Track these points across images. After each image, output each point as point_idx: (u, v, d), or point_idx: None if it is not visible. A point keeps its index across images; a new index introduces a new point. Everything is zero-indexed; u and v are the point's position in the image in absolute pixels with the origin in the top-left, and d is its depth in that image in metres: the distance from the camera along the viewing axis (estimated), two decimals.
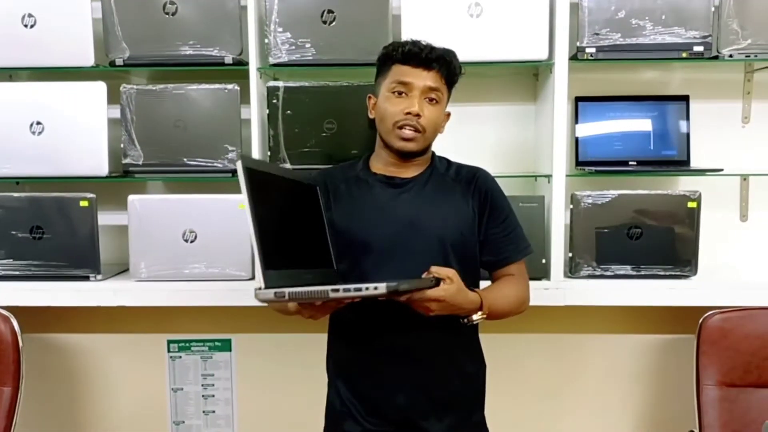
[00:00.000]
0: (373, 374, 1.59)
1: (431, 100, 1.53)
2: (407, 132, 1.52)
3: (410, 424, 1.58)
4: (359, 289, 1.24)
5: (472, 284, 1.56)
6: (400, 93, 1.53)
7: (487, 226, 1.60)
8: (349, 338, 1.62)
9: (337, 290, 1.25)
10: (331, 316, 1.61)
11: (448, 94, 1.59)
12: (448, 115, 1.64)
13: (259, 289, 1.29)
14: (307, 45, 2.03)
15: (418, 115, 1.51)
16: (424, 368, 1.57)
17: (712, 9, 2.03)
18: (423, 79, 1.52)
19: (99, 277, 2.11)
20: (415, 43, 1.53)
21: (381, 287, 1.21)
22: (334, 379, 1.67)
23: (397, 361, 1.57)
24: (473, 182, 1.61)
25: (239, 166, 1.31)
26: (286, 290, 1.27)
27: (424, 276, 1.42)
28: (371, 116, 1.62)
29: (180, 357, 2.47)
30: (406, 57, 1.53)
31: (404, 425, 1.58)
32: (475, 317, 1.48)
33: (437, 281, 1.39)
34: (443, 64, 1.53)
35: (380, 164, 1.62)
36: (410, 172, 1.61)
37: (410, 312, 1.41)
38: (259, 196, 1.34)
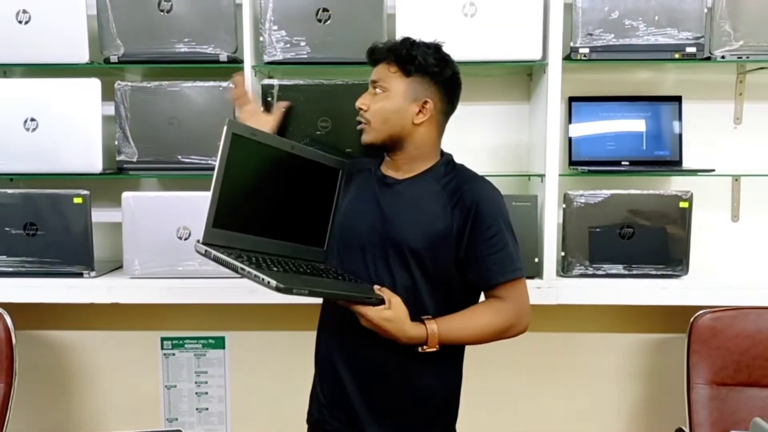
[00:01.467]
0: (334, 374, 1.59)
1: (376, 90, 1.55)
2: (360, 126, 1.57)
3: (357, 425, 1.57)
4: (257, 277, 1.28)
5: (447, 302, 1.52)
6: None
7: (469, 242, 1.49)
8: (325, 335, 1.64)
9: (244, 270, 1.30)
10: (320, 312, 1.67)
11: (407, 81, 1.51)
12: (425, 102, 1.52)
13: (198, 241, 1.38)
14: (302, 43, 2.04)
15: (361, 108, 1.55)
16: (376, 379, 1.56)
17: (705, 10, 2.05)
18: (372, 74, 1.56)
19: (93, 273, 2.11)
20: (376, 43, 1.57)
21: (272, 284, 1.25)
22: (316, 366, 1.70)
23: (355, 367, 1.57)
24: (457, 193, 1.51)
25: (225, 129, 1.39)
26: (213, 252, 1.35)
27: (375, 288, 1.45)
28: None
29: (173, 354, 2.47)
30: (369, 58, 1.59)
31: (353, 425, 1.58)
32: (419, 350, 1.44)
33: (380, 300, 1.40)
34: (390, 54, 1.53)
35: (385, 162, 1.63)
36: (404, 173, 1.57)
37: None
38: (240, 161, 1.42)
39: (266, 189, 1.53)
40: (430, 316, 1.46)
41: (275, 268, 1.38)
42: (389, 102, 1.53)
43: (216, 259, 1.35)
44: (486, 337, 1.51)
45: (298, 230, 1.59)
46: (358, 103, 1.55)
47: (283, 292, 1.25)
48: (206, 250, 1.36)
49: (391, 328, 1.40)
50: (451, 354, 1.57)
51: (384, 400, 1.55)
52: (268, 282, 1.25)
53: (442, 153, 1.61)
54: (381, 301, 1.40)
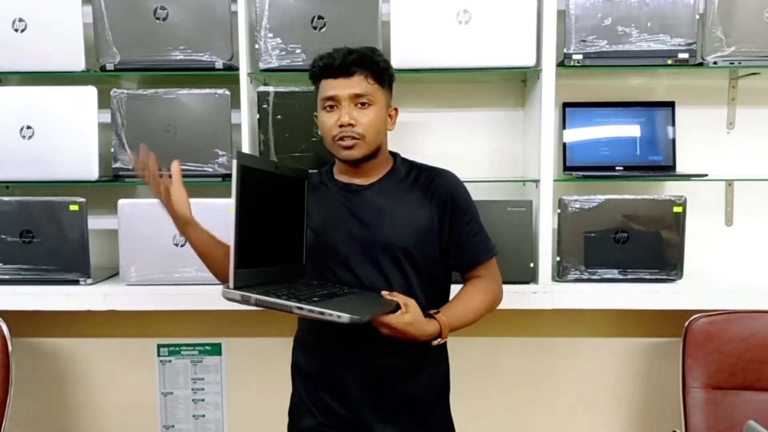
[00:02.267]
0: (328, 378, 1.60)
1: (362, 104, 1.52)
2: (346, 141, 1.52)
3: (363, 425, 1.59)
4: (323, 314, 1.26)
5: (434, 291, 1.60)
6: (330, 107, 1.53)
7: (450, 229, 1.58)
8: (309, 341, 1.65)
9: (302, 308, 1.28)
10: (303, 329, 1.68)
11: (383, 90, 1.56)
12: (396, 111, 1.62)
13: (227, 287, 1.32)
14: (298, 50, 2.05)
15: (351, 125, 1.51)
16: (389, 380, 1.58)
17: (697, 17, 2.06)
18: (346, 87, 1.51)
19: (89, 281, 2.11)
20: (331, 55, 1.52)
21: (344, 318, 1.24)
22: (294, 377, 1.71)
23: (364, 374, 1.58)
24: (431, 187, 1.59)
25: (235, 164, 1.34)
26: (253, 295, 1.30)
27: (384, 294, 1.47)
28: (320, 133, 1.62)
29: (170, 361, 2.47)
30: (325, 71, 1.52)
31: (357, 426, 1.59)
32: (434, 342, 1.50)
33: (398, 306, 1.42)
34: (364, 65, 1.51)
35: (341, 172, 1.63)
36: (368, 178, 1.60)
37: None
38: (247, 194, 1.37)
39: (270, 216, 1.49)
40: (436, 310, 1.51)
41: (316, 298, 1.34)
42: (379, 114, 1.54)
43: (259, 303, 1.30)
44: (480, 315, 1.60)
45: (289, 249, 1.56)
46: (345, 120, 1.50)
47: (354, 322, 1.24)
48: (242, 295, 1.30)
49: (412, 330, 1.44)
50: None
51: (397, 397, 1.59)
52: (339, 317, 1.24)
53: (391, 153, 1.65)
54: (398, 307, 1.43)
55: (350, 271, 1.55)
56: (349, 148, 1.52)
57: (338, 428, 1.60)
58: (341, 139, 1.52)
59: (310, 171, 1.66)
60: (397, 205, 1.57)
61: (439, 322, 1.49)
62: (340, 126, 1.51)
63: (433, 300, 1.57)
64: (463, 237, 1.59)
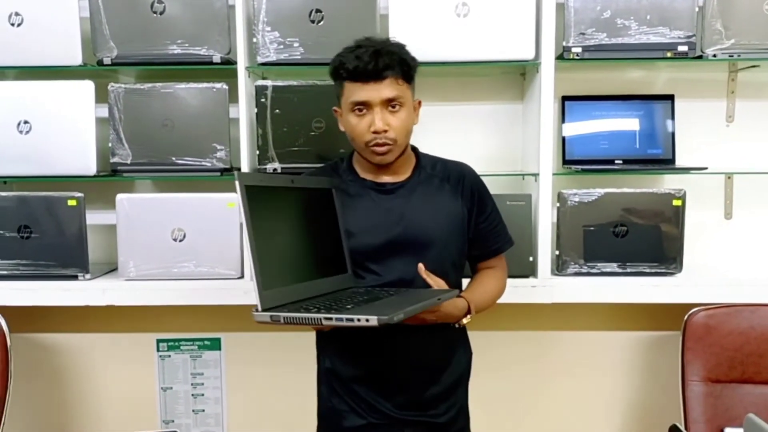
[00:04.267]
0: (368, 377, 1.61)
1: (393, 107, 1.51)
2: (380, 148, 1.52)
3: (406, 417, 1.61)
4: (351, 320, 1.24)
5: (456, 281, 1.64)
6: (361, 110, 1.51)
7: (476, 222, 1.64)
8: (344, 344, 1.63)
9: (330, 319, 1.26)
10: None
11: (410, 87, 1.55)
12: (419, 103, 1.61)
13: (256, 310, 1.30)
14: (296, 44, 2.04)
15: (385, 131, 1.50)
16: (422, 368, 1.61)
17: (696, 9, 2.05)
18: (378, 92, 1.48)
19: (87, 276, 2.10)
20: (359, 56, 1.47)
21: (372, 320, 1.22)
22: (327, 382, 1.67)
23: (394, 364, 1.59)
24: (461, 180, 1.64)
25: (237, 185, 1.32)
26: (282, 314, 1.28)
27: (421, 273, 1.49)
28: (341, 129, 1.60)
29: (169, 356, 2.47)
30: (354, 75, 1.48)
31: (401, 418, 1.61)
32: (464, 321, 1.56)
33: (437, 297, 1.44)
34: (394, 67, 1.48)
35: (365, 170, 1.63)
36: (398, 175, 1.61)
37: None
38: (259, 212, 1.35)
39: (287, 232, 1.47)
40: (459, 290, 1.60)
41: (350, 306, 1.33)
42: (407, 115, 1.54)
43: (289, 321, 1.28)
44: (494, 301, 1.68)
45: (329, 261, 1.54)
46: (380, 126, 1.48)
47: (383, 323, 1.22)
48: (272, 316, 1.29)
49: (452, 309, 1.51)
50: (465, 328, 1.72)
51: (435, 385, 1.63)
52: (367, 320, 1.22)
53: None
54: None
55: (392, 270, 1.56)
56: (383, 153, 1.52)
57: (383, 423, 1.62)
58: (375, 145, 1.51)
59: (319, 177, 1.65)
60: (432, 201, 1.59)
61: (466, 300, 1.55)
62: (374, 132, 1.50)
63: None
64: (486, 228, 1.66)
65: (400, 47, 1.54)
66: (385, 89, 1.48)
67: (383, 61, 1.47)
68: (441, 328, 1.56)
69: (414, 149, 1.67)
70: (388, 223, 1.57)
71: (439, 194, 1.61)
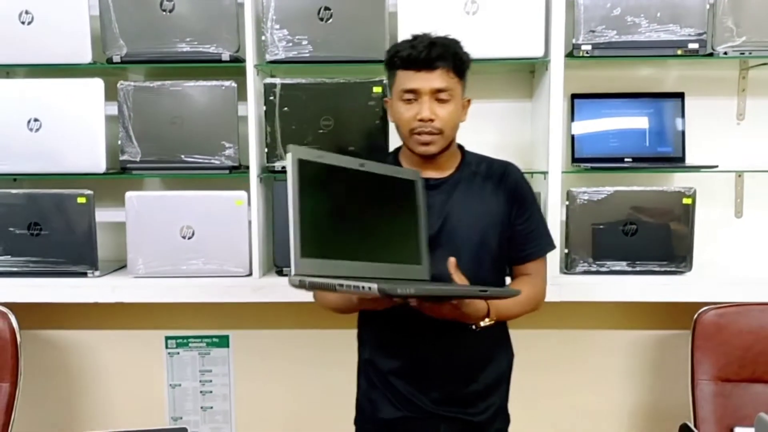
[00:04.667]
0: (407, 368, 1.62)
1: (441, 98, 1.51)
2: (424, 137, 1.52)
3: (442, 413, 1.62)
4: (357, 288, 1.26)
5: (497, 280, 1.63)
6: (408, 99, 1.52)
7: (513, 222, 1.62)
8: (385, 337, 1.65)
9: (342, 285, 1.28)
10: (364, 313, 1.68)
11: (461, 83, 1.56)
12: (469, 101, 1.62)
13: (290, 274, 1.34)
14: (304, 42, 2.04)
15: (431, 120, 1.50)
16: (459, 365, 1.62)
17: (707, 6, 2.04)
18: (428, 81, 1.49)
19: (97, 273, 2.11)
20: (414, 46, 1.49)
21: (374, 288, 1.23)
22: (366, 373, 1.70)
23: (433, 360, 1.61)
24: (503, 179, 1.62)
25: (289, 157, 1.35)
26: (307, 279, 1.32)
27: (450, 268, 1.46)
28: (390, 119, 1.62)
29: (178, 353, 2.47)
30: (407, 62, 1.50)
31: (437, 414, 1.62)
32: (482, 324, 1.52)
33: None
34: (447, 59, 1.50)
35: (411, 164, 1.63)
36: (442, 171, 1.62)
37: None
38: (310, 186, 1.38)
39: (347, 210, 1.48)
40: None
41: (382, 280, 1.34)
42: (456, 107, 1.55)
43: (312, 286, 1.34)
44: (524, 311, 1.62)
45: (390, 249, 1.53)
46: (426, 115, 1.50)
47: (383, 293, 1.23)
48: (300, 280, 1.33)
49: (470, 310, 1.47)
50: (507, 330, 1.77)
51: (473, 384, 1.64)
52: (370, 288, 1.24)
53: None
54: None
55: (433, 267, 1.56)
56: (427, 144, 1.53)
57: (419, 417, 1.63)
58: (419, 133, 1.52)
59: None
60: (473, 199, 1.58)
61: (487, 303, 1.51)
62: (420, 120, 1.50)
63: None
64: (522, 230, 1.62)
65: (456, 42, 1.55)
66: (436, 79, 1.50)
67: (436, 51, 1.49)
68: (476, 331, 1.54)
69: (460, 147, 1.67)
70: (428, 217, 1.57)
71: (481, 192, 1.60)
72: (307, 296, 2.10)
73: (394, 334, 1.61)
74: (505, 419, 1.74)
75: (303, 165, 1.38)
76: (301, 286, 1.33)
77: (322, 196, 1.42)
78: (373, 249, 1.49)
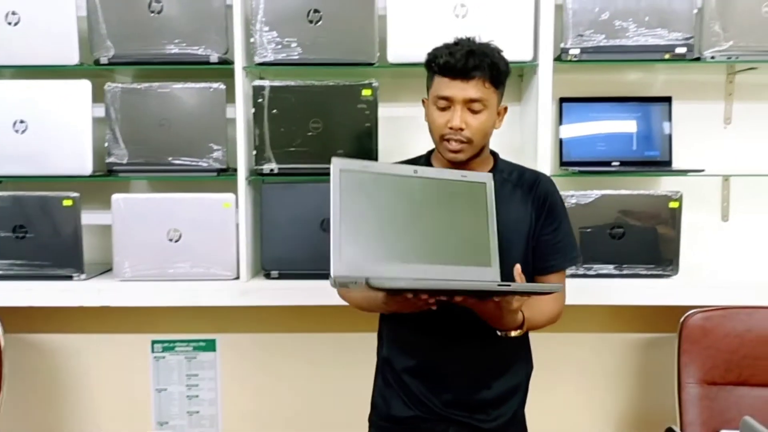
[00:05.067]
0: (421, 369, 1.63)
1: (475, 108, 1.50)
2: (453, 144, 1.52)
3: (454, 416, 1.63)
4: (353, 280, 1.30)
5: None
6: (442, 106, 1.52)
7: (542, 231, 1.60)
8: (403, 337, 1.66)
9: (350, 279, 1.31)
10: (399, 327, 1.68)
11: (497, 92, 1.55)
12: (505, 109, 1.60)
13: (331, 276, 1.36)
14: (293, 44, 2.03)
15: (461, 129, 1.50)
16: (473, 370, 1.62)
17: (695, 11, 2.06)
18: (462, 90, 1.49)
19: (82, 276, 2.10)
20: (452, 53, 1.48)
21: (360, 280, 1.28)
22: (382, 371, 1.71)
23: (448, 363, 1.61)
24: (534, 188, 1.61)
25: (333, 167, 1.38)
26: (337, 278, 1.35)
27: (516, 274, 1.45)
28: (425, 119, 1.61)
29: (164, 357, 2.46)
30: (443, 69, 1.50)
31: (448, 417, 1.63)
32: (513, 333, 1.52)
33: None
34: (483, 69, 1.48)
35: (442, 166, 1.61)
36: None
37: (463, 320, 1.49)
38: (357, 195, 1.40)
39: (397, 216, 1.47)
40: None
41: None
42: (488, 118, 1.53)
43: (341, 282, 1.36)
44: (547, 323, 1.61)
45: (457, 251, 1.51)
46: (456, 124, 1.49)
47: (371, 286, 1.26)
48: (335, 278, 1.35)
49: (509, 318, 1.47)
50: (527, 341, 1.74)
51: (488, 391, 1.63)
52: (355, 283, 1.28)
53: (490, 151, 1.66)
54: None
55: None
56: (456, 151, 1.52)
57: (430, 418, 1.63)
58: (448, 140, 1.52)
59: (404, 160, 1.66)
60: (501, 206, 1.56)
61: (523, 314, 1.51)
62: (450, 128, 1.50)
63: None
64: (548, 241, 1.60)
65: (495, 51, 1.53)
66: (471, 89, 1.49)
67: (473, 61, 1.47)
68: (495, 338, 1.54)
69: (494, 153, 1.66)
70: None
71: (510, 200, 1.59)
72: (294, 299, 2.09)
73: (411, 333, 1.62)
74: (520, 430, 1.73)
75: (347, 175, 1.39)
76: (338, 285, 1.36)
77: (372, 205, 1.42)
78: (436, 252, 1.48)
